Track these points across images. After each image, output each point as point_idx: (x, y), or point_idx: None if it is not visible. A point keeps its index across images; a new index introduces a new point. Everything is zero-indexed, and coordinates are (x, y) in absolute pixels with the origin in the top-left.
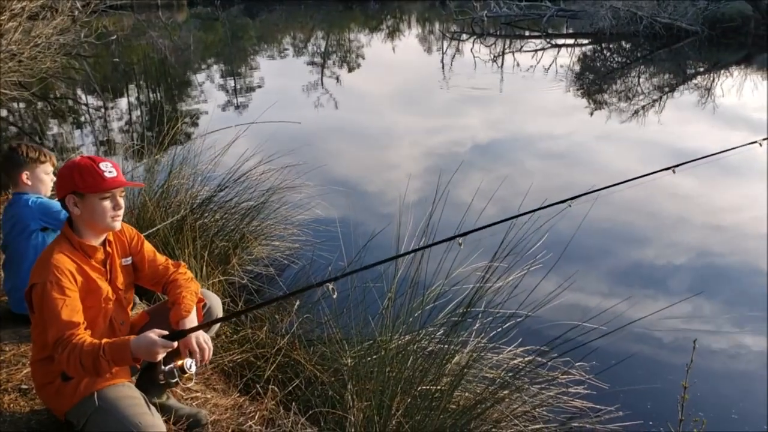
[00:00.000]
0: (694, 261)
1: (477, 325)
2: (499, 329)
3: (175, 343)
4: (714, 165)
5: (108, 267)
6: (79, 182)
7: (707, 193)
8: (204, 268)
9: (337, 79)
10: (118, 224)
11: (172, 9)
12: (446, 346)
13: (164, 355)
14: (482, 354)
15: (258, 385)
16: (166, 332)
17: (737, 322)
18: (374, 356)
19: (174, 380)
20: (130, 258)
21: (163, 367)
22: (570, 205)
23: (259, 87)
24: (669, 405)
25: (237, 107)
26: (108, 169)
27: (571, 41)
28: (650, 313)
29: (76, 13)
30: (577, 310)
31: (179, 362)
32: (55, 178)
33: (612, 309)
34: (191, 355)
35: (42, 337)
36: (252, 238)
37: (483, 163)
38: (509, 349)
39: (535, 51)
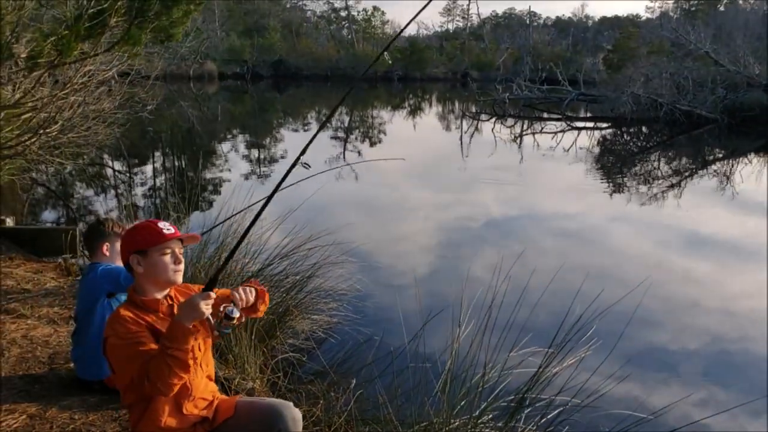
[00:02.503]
0: (709, 346)
1: (527, 413)
2: (547, 418)
3: (213, 293)
4: (729, 250)
5: None
6: (141, 240)
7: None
8: (252, 339)
9: (359, 153)
10: (179, 278)
11: (203, 81)
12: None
13: (209, 308)
14: None
15: None
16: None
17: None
18: None
19: (227, 330)
20: None
21: (211, 320)
22: None
23: (283, 158)
24: None
25: (260, 177)
26: (166, 227)
27: (590, 124)
28: (713, 413)
29: (114, 83)
30: (629, 399)
31: (222, 311)
32: None
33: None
34: (235, 305)
35: (135, 399)
36: (295, 311)
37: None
38: None
39: (555, 133)
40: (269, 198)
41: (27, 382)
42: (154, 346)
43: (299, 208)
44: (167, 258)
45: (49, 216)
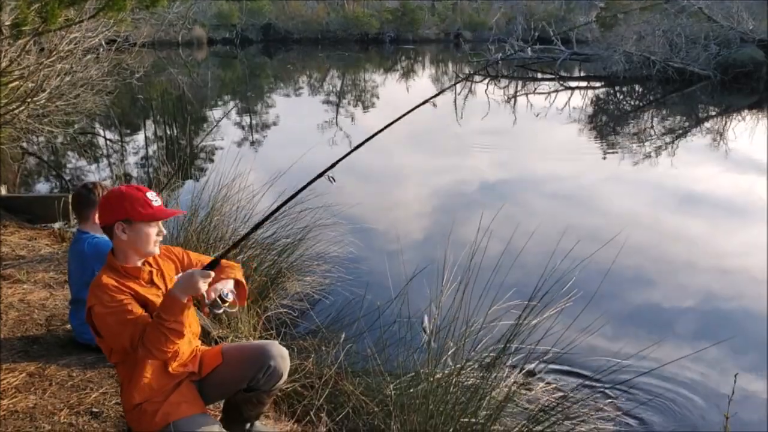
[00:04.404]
0: (702, 305)
1: (511, 361)
2: (533, 365)
3: (212, 272)
4: (723, 208)
5: (162, 284)
6: (131, 210)
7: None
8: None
9: (352, 118)
10: (157, 249)
11: (192, 47)
12: (484, 381)
13: (205, 286)
14: (518, 389)
15: (311, 413)
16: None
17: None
18: (416, 388)
19: (218, 310)
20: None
21: (206, 300)
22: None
23: (275, 125)
24: None
25: (252, 143)
26: (154, 198)
27: (584, 84)
28: (679, 357)
29: (101, 50)
30: (605, 349)
31: (217, 293)
32: None
33: (637, 352)
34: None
35: (122, 358)
36: (288, 273)
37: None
38: (541, 386)
39: (549, 93)
40: (283, 204)
41: (25, 343)
42: (140, 311)
43: (288, 171)
44: (152, 230)
45: (41, 186)
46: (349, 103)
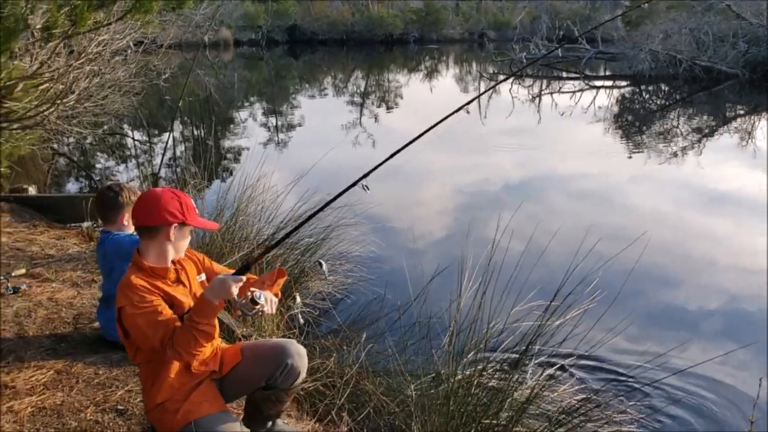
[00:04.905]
0: (726, 306)
1: (534, 362)
2: (555, 367)
3: (244, 277)
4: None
5: (187, 284)
6: (188, 216)
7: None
8: None
9: (375, 118)
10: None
11: (218, 48)
12: (506, 382)
13: (237, 290)
14: (540, 391)
15: (332, 412)
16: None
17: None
18: (437, 389)
19: (250, 313)
20: (203, 275)
21: (238, 302)
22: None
23: (300, 125)
24: None
25: (277, 144)
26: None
27: (609, 83)
28: (704, 361)
29: (129, 52)
30: (628, 351)
31: (249, 295)
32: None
33: (660, 354)
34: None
35: (146, 358)
36: (311, 272)
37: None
38: (564, 387)
39: (574, 92)
40: (315, 213)
41: (54, 341)
42: (169, 313)
43: (310, 171)
44: (189, 234)
45: (71, 186)
46: (372, 104)
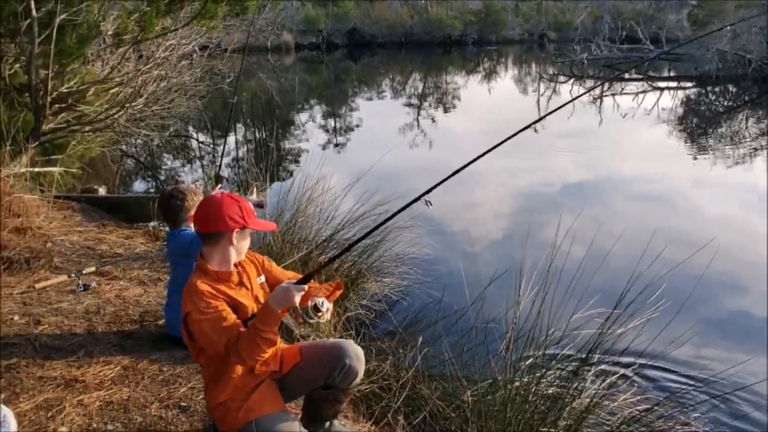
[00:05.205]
0: None
1: (594, 371)
2: (616, 375)
3: (306, 286)
4: None
5: (249, 286)
6: (249, 220)
7: None
8: None
9: (433, 120)
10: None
11: (280, 52)
12: (565, 390)
13: (299, 298)
14: (600, 400)
15: (388, 415)
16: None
17: None
18: (494, 395)
19: (312, 319)
20: (262, 276)
21: (300, 309)
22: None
23: (358, 127)
24: None
25: (336, 146)
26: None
27: (673, 84)
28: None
29: (194, 57)
30: (693, 361)
31: (312, 302)
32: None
33: (722, 361)
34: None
35: (209, 359)
36: (367, 274)
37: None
38: (624, 397)
39: (636, 94)
40: (379, 226)
41: (121, 338)
42: (233, 318)
43: (368, 173)
44: (249, 238)
45: (138, 186)
46: (430, 105)
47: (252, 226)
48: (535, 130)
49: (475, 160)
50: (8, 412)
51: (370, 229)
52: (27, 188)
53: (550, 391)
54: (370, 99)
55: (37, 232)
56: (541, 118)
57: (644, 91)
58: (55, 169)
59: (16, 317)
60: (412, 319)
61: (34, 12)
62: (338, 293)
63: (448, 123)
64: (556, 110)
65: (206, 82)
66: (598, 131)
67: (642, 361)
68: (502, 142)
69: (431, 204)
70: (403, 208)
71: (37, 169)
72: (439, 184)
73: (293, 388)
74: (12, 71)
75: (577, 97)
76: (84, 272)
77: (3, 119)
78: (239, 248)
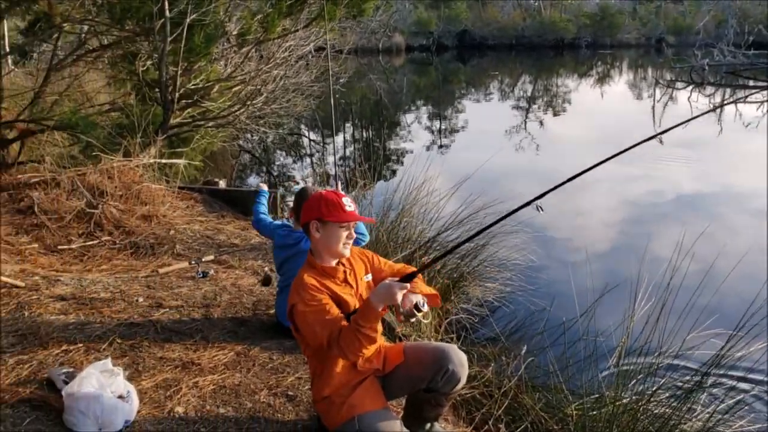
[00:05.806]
0: None
1: (709, 393)
2: (733, 400)
3: (408, 285)
4: None
5: (355, 284)
6: (325, 211)
7: None
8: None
9: (541, 123)
10: (348, 251)
11: (390, 54)
12: (676, 411)
13: (401, 296)
14: (714, 425)
15: (489, 422)
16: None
17: None
18: (600, 411)
19: (412, 318)
20: (369, 275)
21: (401, 309)
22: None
23: (463, 129)
24: None
25: (440, 147)
26: (348, 203)
27: None
28: None
29: (311, 57)
30: None
31: (413, 301)
32: None
33: None
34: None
35: (314, 352)
36: (469, 278)
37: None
38: (741, 423)
39: (762, 102)
40: (485, 229)
41: (235, 324)
42: (337, 312)
43: (472, 176)
44: (343, 232)
45: (252, 180)
46: (539, 108)
47: (329, 218)
48: (660, 141)
49: (593, 167)
50: (132, 389)
51: (476, 231)
52: (154, 178)
53: (659, 411)
54: (478, 101)
55: (162, 220)
56: (668, 129)
57: None
58: (180, 161)
59: (140, 299)
60: (515, 327)
61: (167, 12)
62: (436, 302)
63: (556, 127)
64: (690, 120)
65: (321, 83)
66: (716, 141)
67: (762, 388)
68: (624, 151)
69: (542, 209)
70: (513, 212)
71: (164, 161)
72: (552, 189)
73: (395, 388)
74: (145, 68)
75: (716, 108)
76: (203, 260)
77: (136, 112)
78: (325, 240)
